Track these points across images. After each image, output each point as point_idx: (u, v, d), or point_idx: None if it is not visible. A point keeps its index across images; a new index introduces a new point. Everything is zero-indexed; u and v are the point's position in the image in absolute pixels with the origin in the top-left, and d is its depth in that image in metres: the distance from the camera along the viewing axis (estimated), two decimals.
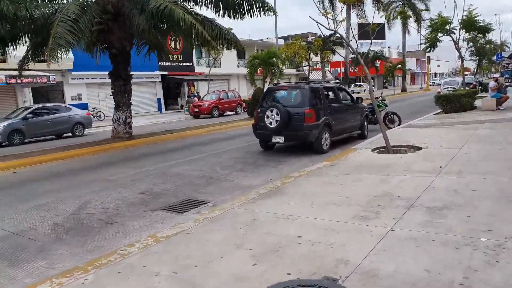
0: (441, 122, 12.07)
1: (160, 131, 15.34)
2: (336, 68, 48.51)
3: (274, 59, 18.64)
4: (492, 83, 15.20)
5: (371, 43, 9.88)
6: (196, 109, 23.64)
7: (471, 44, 43.71)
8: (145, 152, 10.83)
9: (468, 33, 15.57)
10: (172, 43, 31.80)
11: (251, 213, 4.56)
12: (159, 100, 30.79)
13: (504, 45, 40.57)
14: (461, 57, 16.00)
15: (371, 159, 7.39)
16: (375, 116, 12.29)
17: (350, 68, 45.90)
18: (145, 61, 29.31)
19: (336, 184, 5.70)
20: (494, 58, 45.66)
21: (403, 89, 43.30)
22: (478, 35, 15.82)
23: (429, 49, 16.56)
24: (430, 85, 50.54)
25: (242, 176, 7.00)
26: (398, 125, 12.23)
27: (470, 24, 15.45)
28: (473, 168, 5.98)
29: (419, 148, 8.11)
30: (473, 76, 43.05)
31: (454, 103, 14.94)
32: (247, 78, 43.68)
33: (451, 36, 15.66)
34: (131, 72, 13.73)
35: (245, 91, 41.98)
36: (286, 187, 5.68)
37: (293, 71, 47.38)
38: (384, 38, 66.91)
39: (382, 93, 13.24)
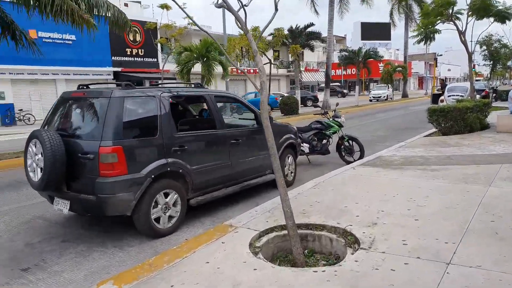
0: (429, 157, 7.33)
1: None
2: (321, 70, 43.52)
3: (213, 53, 13.92)
4: None
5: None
6: None
7: (484, 47, 38.80)
8: None
9: (479, 19, 10.80)
10: (131, 34, 27.34)
11: None
12: None
13: None
14: (468, 54, 11.24)
15: None
16: (324, 141, 7.67)
17: (342, 70, 40.92)
18: (94, 55, 25.17)
19: None
20: (511, 62, 40.56)
21: (404, 95, 38.20)
22: (495, 22, 10.98)
23: (423, 42, 11.81)
24: (437, 91, 45.41)
25: None
26: (359, 158, 7.54)
27: (484, 6, 10.65)
28: None
29: (354, 243, 3.48)
30: (486, 82, 37.95)
31: (456, 120, 10.19)
32: (224, 78, 39.25)
33: (454, 23, 10.90)
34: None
35: None
36: None
37: (283, 71, 42.66)
38: (389, 39, 61.98)
39: (337, 104, 8.54)
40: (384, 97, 34.22)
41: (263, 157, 5.40)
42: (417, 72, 71.07)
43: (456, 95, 19.86)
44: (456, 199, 4.55)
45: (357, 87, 29.54)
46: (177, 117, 5.18)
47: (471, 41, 11.74)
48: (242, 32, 16.60)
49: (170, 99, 4.38)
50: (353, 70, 36.94)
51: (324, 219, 4.11)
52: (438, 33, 11.54)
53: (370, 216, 4.10)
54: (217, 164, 4.74)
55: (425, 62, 67.37)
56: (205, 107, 5.49)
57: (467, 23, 11.10)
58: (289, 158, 6.07)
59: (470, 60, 11.39)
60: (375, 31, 58.53)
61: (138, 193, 3.85)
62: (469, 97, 13.08)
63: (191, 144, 4.47)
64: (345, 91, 48.57)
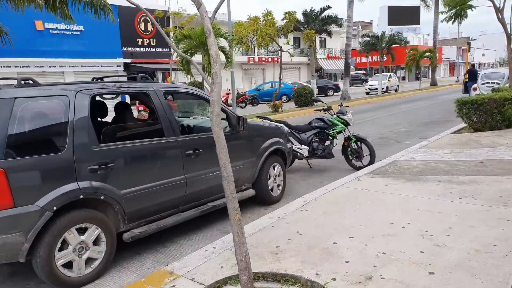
0: (456, 162, 5.94)
1: None
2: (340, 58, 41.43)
3: (217, 39, 12.71)
4: None
5: None
6: (141, 108, 18.28)
7: None
8: None
9: None
10: (142, 24, 26.54)
11: None
12: None
13: None
14: (507, 35, 9.56)
15: None
16: (327, 143, 6.45)
17: (367, 57, 38.63)
18: (104, 46, 24.47)
19: None
20: None
21: (433, 83, 35.65)
22: None
23: (453, 20, 10.19)
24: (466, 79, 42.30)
25: None
26: (369, 163, 6.25)
27: None
28: None
29: None
30: None
31: (491, 113, 8.64)
32: (242, 68, 37.81)
33: None
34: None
35: (240, 83, 36.19)
36: None
37: (304, 59, 40.92)
38: (418, 23, 58.52)
39: (343, 99, 7.23)
40: (383, 88, 27.59)
41: (237, 169, 4.24)
42: (448, 58, 67.31)
43: (492, 82, 17.90)
44: (491, 235, 3.26)
45: (380, 75, 27.62)
46: (118, 122, 4.13)
47: (510, 23, 9.98)
48: (251, 16, 15.30)
49: (90, 99, 3.26)
50: (379, 57, 34.32)
51: (301, 264, 2.95)
52: (472, 10, 9.89)
53: (365, 263, 2.90)
54: (163, 184, 3.59)
55: (457, 47, 63.55)
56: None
57: None
58: (276, 168, 4.87)
59: (510, 42, 9.71)
60: (403, 15, 55.26)
61: (31, 233, 2.77)
62: (508, 85, 11.36)
63: (121, 159, 3.35)
64: (369, 79, 46.18)
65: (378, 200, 4.32)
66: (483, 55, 76.17)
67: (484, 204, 3.99)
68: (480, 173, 5.21)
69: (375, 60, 45.37)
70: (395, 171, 5.60)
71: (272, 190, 4.78)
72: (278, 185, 4.93)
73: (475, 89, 18.15)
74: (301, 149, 6.38)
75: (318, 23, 20.98)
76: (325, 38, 44.70)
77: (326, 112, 6.62)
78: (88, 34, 22.92)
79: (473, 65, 27.49)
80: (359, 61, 48.63)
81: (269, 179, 4.72)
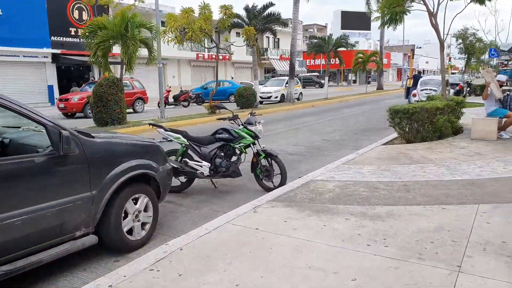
0: (378, 184, 5.07)
1: None
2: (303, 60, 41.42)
3: (137, 30, 11.09)
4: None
5: None
6: (61, 105, 16.28)
7: (460, 41, 37.31)
8: None
9: None
10: (76, 12, 24.15)
11: None
12: (50, 87, 23.06)
13: (493, 45, 34.02)
14: (440, 41, 8.99)
15: None
16: (234, 158, 5.37)
17: (321, 59, 38.59)
18: (28, 33, 21.86)
19: None
20: (485, 56, 39.23)
21: (379, 87, 36.24)
22: (471, 3, 8.83)
23: (388, 25, 9.55)
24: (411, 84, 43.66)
25: None
26: (280, 185, 5.23)
27: None
28: None
29: None
30: (460, 75, 36.57)
31: (423, 123, 8.05)
32: (191, 64, 36.09)
33: (424, 3, 8.67)
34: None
35: (188, 80, 34.52)
36: None
37: (250, 58, 39.84)
38: (369, 29, 59.90)
39: (256, 106, 6.18)
40: (276, 97, 22.13)
41: (60, 210, 2.94)
42: (396, 64, 69.87)
43: (429, 89, 17.94)
44: None
45: (326, 78, 27.35)
46: None
47: (447, 34, 9.50)
48: (184, 7, 13.87)
49: None
50: (333, 60, 33.55)
51: None
52: (406, 14, 9.31)
53: None
54: None
55: (403, 54, 66.04)
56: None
57: (439, 3, 8.88)
58: (139, 201, 3.60)
59: (442, 49, 9.18)
60: (355, 20, 56.41)
61: None
62: (441, 95, 10.97)
63: None
64: (322, 81, 46.27)
65: (263, 249, 3.24)
66: (427, 62, 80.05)
67: (395, 256, 3.04)
68: (401, 202, 4.35)
69: (333, 63, 45.63)
70: (305, 197, 4.61)
71: (131, 232, 3.52)
72: (144, 224, 3.68)
73: (414, 95, 18.08)
74: (201, 166, 5.23)
75: (261, 20, 19.90)
76: (278, 39, 43.93)
77: (232, 121, 5.51)
78: (7, 19, 20.32)
79: (419, 72, 28.03)
80: (313, 63, 48.58)
81: (126, 217, 3.47)
